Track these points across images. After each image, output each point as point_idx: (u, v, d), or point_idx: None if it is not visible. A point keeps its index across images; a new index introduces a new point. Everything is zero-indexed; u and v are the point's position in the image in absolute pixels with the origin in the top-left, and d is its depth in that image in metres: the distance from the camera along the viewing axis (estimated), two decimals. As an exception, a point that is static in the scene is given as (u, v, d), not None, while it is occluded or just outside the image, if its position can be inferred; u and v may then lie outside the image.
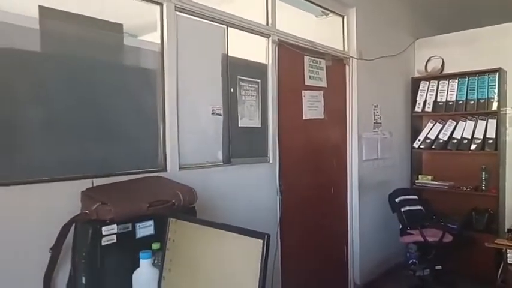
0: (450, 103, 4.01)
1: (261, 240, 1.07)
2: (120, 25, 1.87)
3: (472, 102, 3.89)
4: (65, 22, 1.69)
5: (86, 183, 1.64)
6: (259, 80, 2.63)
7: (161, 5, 2.05)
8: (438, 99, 4.10)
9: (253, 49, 2.70)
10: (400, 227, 3.63)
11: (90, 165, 1.76)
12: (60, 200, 1.59)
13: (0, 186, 1.50)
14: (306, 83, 3.05)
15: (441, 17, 4.64)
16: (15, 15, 1.57)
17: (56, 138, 1.68)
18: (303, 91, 3.02)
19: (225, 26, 2.41)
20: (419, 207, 3.85)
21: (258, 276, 1.05)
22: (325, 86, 3.22)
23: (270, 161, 2.73)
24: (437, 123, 4.12)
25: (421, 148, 4.18)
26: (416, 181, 4.25)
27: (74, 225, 1.51)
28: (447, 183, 4.01)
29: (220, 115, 2.37)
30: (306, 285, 3.07)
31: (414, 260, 3.62)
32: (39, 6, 1.60)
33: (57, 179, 1.63)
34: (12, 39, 1.55)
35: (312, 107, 3.09)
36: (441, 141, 4.03)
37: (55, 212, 1.55)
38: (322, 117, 3.19)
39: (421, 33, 4.40)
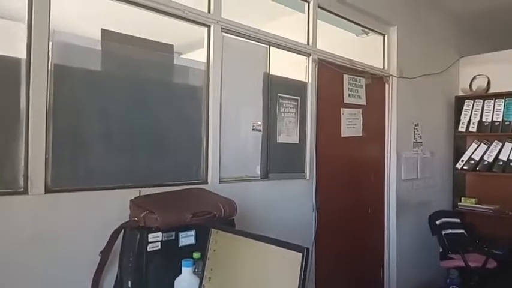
0: (496, 123, 3.86)
1: (300, 254, 1.10)
2: (171, 46, 2.01)
3: (519, 123, 3.74)
4: (123, 43, 1.85)
5: (134, 193, 1.75)
6: (298, 98, 2.69)
7: (209, 26, 2.18)
8: (483, 119, 3.95)
9: (293, 67, 2.77)
10: (441, 250, 3.50)
11: (138, 175, 1.88)
12: (111, 207, 1.71)
13: (65, 192, 1.64)
14: (344, 101, 3.07)
15: (487, 35, 4.51)
16: (80, 37, 1.74)
17: (110, 150, 1.81)
18: (341, 109, 3.04)
19: (268, 46, 2.50)
20: (461, 230, 3.70)
21: (297, 289, 1.09)
22: (364, 104, 3.22)
23: (307, 178, 2.75)
24: (482, 144, 3.96)
25: (464, 169, 4.03)
26: (459, 203, 4.09)
27: (122, 231, 1.62)
28: (492, 207, 3.83)
29: (260, 131, 2.44)
30: (340, 304, 3.03)
31: (455, 286, 3.46)
32: (101, 29, 1.77)
33: (109, 187, 1.76)
34: (77, 59, 1.71)
35: (351, 124, 3.09)
36: (486, 162, 3.87)
37: (106, 218, 1.66)
38: (361, 135, 3.18)
39: (466, 51, 4.29)
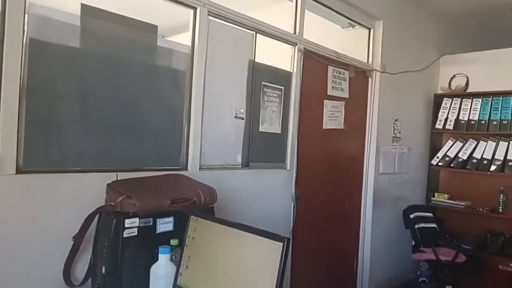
0: (472, 122, 3.96)
1: (281, 243, 1.10)
2: (155, 26, 1.93)
3: (494, 122, 3.84)
4: (104, 20, 1.76)
5: (111, 176, 1.69)
6: (282, 87, 2.66)
7: (195, 9, 2.11)
8: (460, 118, 4.05)
9: (278, 56, 2.74)
10: (413, 243, 3.60)
11: (116, 159, 1.82)
12: (87, 191, 1.66)
13: (38, 174, 1.58)
14: (328, 93, 3.07)
15: (469, 35, 4.59)
16: (59, 11, 1.64)
17: (88, 131, 1.74)
18: (324, 100, 3.04)
19: (254, 32, 2.45)
20: (433, 225, 3.81)
21: (276, 279, 1.08)
22: (347, 96, 3.23)
23: (288, 168, 2.75)
24: (458, 142, 4.07)
25: (439, 165, 4.14)
26: (432, 199, 4.20)
27: (97, 215, 1.57)
28: (463, 203, 3.96)
29: (242, 119, 2.41)
30: (314, 294, 3.08)
31: (424, 279, 3.57)
32: (81, 4, 1.68)
33: (85, 170, 1.70)
34: (54, 34, 1.62)
35: (333, 117, 3.10)
36: (460, 160, 3.98)
37: (81, 201, 1.62)
38: (342, 127, 3.20)
39: (446, 49, 4.37)
